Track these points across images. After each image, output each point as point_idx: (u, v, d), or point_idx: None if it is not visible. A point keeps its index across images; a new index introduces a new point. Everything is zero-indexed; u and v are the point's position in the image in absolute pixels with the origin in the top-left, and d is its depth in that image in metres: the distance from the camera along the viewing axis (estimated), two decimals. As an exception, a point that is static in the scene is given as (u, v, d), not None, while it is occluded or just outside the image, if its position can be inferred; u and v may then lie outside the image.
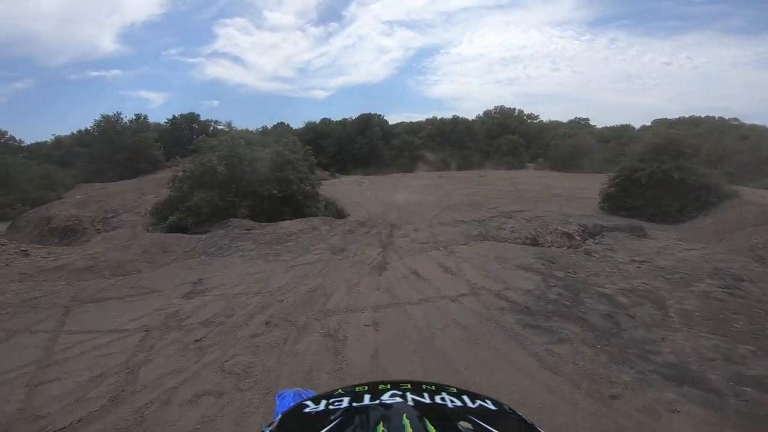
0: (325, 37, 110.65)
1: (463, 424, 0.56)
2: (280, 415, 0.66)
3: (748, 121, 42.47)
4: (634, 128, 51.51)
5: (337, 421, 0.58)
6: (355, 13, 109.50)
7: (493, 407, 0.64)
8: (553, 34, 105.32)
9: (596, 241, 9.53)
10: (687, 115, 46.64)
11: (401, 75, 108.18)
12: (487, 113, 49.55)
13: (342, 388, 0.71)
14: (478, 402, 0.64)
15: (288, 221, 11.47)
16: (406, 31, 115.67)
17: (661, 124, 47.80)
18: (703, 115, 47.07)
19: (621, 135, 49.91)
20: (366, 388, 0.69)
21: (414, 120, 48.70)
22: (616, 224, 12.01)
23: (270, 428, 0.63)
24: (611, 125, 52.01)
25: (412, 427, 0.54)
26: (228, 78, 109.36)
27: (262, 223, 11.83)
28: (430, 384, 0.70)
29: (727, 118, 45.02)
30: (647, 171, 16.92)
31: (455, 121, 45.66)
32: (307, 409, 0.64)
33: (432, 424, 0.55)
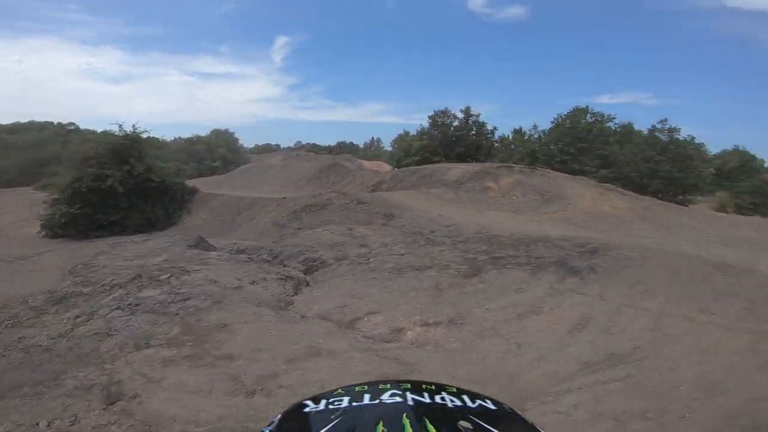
0: None
1: (463, 423, 0.55)
2: (279, 415, 0.64)
3: (83, 126, 40.88)
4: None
5: (336, 420, 0.57)
6: None
7: (493, 407, 0.63)
8: None
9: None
10: (11, 122, 41.81)
11: None
12: None
13: (342, 388, 0.68)
14: (478, 402, 0.63)
15: None
16: None
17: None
18: (26, 120, 42.94)
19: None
20: (366, 387, 0.67)
21: None
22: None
23: (269, 428, 0.61)
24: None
25: (411, 426, 0.53)
26: None
27: None
28: (430, 384, 0.68)
29: (63, 123, 42.78)
30: (118, 177, 14.11)
31: None
32: (306, 409, 0.63)
33: (432, 424, 0.53)
